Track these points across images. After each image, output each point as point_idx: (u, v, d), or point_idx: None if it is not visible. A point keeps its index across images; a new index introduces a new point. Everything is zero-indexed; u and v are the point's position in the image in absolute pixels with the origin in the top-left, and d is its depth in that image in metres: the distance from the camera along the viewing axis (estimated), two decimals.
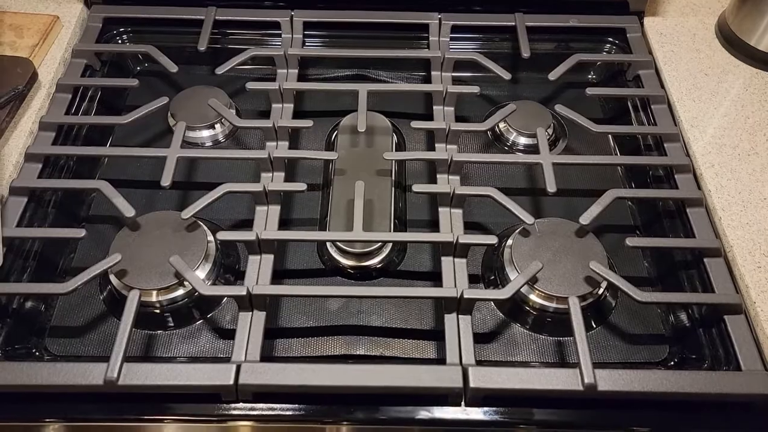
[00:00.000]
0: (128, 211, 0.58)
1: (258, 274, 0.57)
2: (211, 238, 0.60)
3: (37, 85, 0.70)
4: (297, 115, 0.71)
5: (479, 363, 0.53)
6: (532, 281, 0.57)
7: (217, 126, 0.71)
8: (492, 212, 0.65)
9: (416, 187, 0.61)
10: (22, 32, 0.74)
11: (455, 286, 0.56)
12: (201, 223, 0.61)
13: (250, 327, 0.54)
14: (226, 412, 0.50)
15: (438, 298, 0.54)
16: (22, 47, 0.72)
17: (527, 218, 0.59)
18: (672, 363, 0.56)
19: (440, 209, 0.62)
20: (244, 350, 0.52)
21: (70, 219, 0.64)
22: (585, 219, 0.59)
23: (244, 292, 0.53)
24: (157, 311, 0.58)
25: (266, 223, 0.61)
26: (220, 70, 0.71)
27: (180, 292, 0.58)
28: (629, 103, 0.75)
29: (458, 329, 0.54)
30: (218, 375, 0.49)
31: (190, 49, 0.75)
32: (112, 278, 0.58)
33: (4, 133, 0.66)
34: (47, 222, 0.63)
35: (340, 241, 0.59)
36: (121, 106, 0.74)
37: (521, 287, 0.55)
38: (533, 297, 0.58)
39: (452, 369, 0.50)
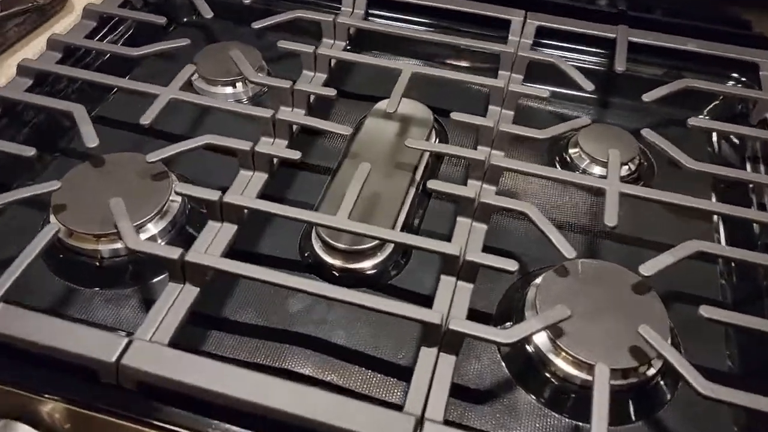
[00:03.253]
0: (91, 140, 0.50)
1: (210, 243, 0.46)
2: (177, 195, 0.50)
3: (69, 7, 0.65)
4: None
5: (449, 423, 0.38)
6: (555, 334, 0.41)
7: (239, 85, 0.62)
8: (530, 244, 0.50)
9: (433, 183, 0.48)
10: None
11: (446, 312, 0.42)
12: (171, 175, 0.51)
13: (174, 303, 0.42)
14: (92, 399, 0.38)
15: (418, 322, 0.40)
16: None
17: (568, 251, 0.44)
18: None
19: (459, 219, 0.48)
20: (154, 328, 0.40)
21: (44, 145, 0.56)
22: (647, 269, 0.43)
23: (176, 256, 0.42)
24: (92, 262, 0.48)
25: (245, 190, 0.50)
26: (258, 25, 0.63)
27: (119, 245, 0.47)
28: (747, 154, 0.58)
29: (433, 371, 0.39)
30: (100, 348, 0.38)
31: (237, 5, 0.67)
32: (52, 217, 0.49)
33: (13, 44, 0.60)
34: (16, 140, 0.55)
35: (317, 224, 0.47)
36: None
37: (532, 334, 0.40)
38: (555, 358, 0.42)
39: (403, 419, 0.36)
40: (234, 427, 0.37)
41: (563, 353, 0.42)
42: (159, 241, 0.48)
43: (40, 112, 0.57)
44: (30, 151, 0.48)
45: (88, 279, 0.47)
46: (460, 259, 0.43)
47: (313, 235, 0.50)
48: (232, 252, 0.46)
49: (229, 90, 0.62)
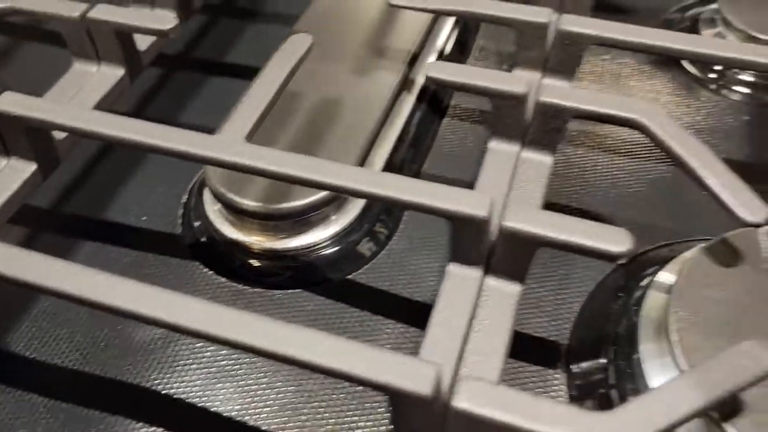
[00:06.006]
0: None
1: None
2: None
3: None
4: None
5: None
6: (724, 415, 0.17)
7: None
8: (643, 199, 0.25)
9: (432, 68, 0.22)
10: None
11: (453, 360, 0.17)
12: None
13: None
14: None
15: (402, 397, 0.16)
16: None
17: (748, 211, 0.18)
18: None
19: (493, 146, 0.23)
20: None
21: None
22: None
23: None
24: None
25: (74, 97, 0.25)
26: None
27: None
28: None
29: None
30: None
31: None
32: None
33: None
34: None
35: (170, 152, 0.21)
36: None
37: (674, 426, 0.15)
38: None
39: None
40: None
41: None
42: None
43: None
44: None
45: None
46: (491, 226, 0.18)
47: (206, 188, 0.26)
48: (19, 216, 0.23)
49: None
